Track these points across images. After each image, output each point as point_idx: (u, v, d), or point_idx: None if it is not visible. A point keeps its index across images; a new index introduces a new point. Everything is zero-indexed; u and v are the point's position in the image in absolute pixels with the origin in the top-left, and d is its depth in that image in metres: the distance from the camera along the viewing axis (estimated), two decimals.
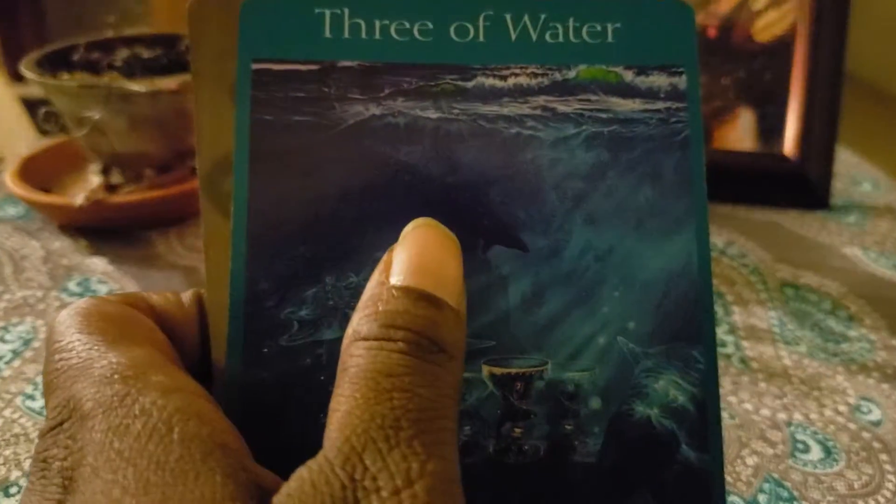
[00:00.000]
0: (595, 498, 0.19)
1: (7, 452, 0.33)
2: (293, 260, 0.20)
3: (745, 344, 0.41)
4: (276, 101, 0.20)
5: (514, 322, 0.20)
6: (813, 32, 0.54)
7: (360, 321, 0.17)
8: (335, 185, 0.20)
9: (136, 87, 0.49)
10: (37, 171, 0.55)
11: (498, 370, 0.19)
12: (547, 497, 0.19)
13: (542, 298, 0.20)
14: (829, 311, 0.44)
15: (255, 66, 0.20)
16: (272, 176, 0.20)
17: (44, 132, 0.60)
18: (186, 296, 0.21)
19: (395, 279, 0.17)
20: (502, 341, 0.20)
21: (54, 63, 0.54)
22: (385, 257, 0.18)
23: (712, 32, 0.57)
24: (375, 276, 0.18)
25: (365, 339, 0.16)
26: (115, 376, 0.16)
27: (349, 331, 0.17)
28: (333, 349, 0.19)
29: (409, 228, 0.18)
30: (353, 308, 0.19)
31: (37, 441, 0.16)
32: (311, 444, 0.19)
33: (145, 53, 0.55)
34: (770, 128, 0.56)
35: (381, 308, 0.17)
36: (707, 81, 0.57)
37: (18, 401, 0.36)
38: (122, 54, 0.54)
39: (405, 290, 0.17)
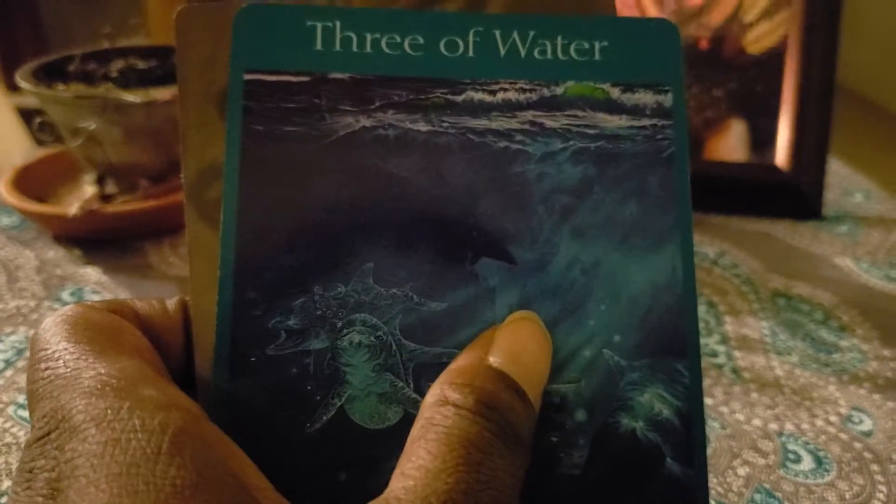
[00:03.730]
0: None
1: None
2: (281, 269, 0.20)
3: (736, 354, 0.41)
4: (268, 112, 0.20)
5: None
6: (804, 44, 0.55)
7: (454, 388, 0.17)
8: (325, 195, 0.20)
9: (132, 97, 0.49)
10: (32, 181, 0.55)
11: None
12: None
13: (528, 311, 0.20)
14: (821, 322, 0.44)
15: (247, 77, 0.20)
16: (262, 185, 0.20)
17: (39, 142, 0.60)
18: (171, 303, 0.21)
19: (495, 360, 0.18)
20: None
21: (50, 73, 0.54)
22: (487, 334, 0.19)
23: (704, 44, 0.57)
24: (474, 350, 0.18)
25: (456, 406, 0.17)
26: (107, 388, 0.16)
27: (437, 391, 0.17)
28: (320, 359, 0.19)
29: (517, 317, 0.19)
30: (340, 318, 0.20)
31: (22, 451, 0.16)
32: (297, 455, 0.19)
33: (141, 64, 0.55)
34: (762, 139, 0.56)
35: (477, 383, 0.17)
36: (699, 93, 0.57)
37: (10, 410, 0.36)
38: (117, 65, 0.54)
39: (503, 376, 0.18)
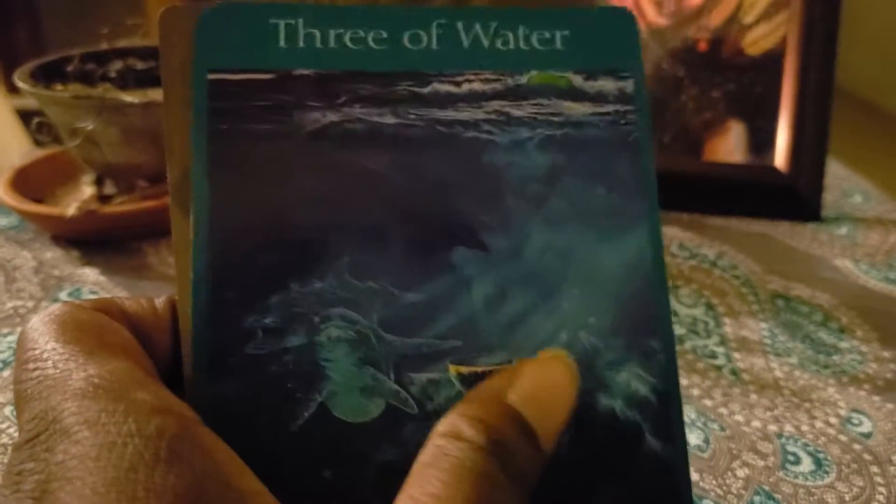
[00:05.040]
0: (564, 491, 0.19)
1: None
2: (256, 268, 0.20)
3: (735, 355, 0.41)
4: (234, 111, 0.20)
5: (478, 322, 0.20)
6: (803, 46, 0.55)
7: (465, 422, 0.17)
8: (295, 191, 0.20)
9: (130, 98, 0.49)
10: (30, 182, 0.55)
11: (464, 369, 0.20)
12: None
13: (504, 298, 0.20)
14: (821, 323, 0.44)
15: (211, 77, 0.20)
16: (232, 185, 0.20)
17: (37, 143, 0.60)
18: (160, 301, 0.20)
19: (514, 399, 0.18)
20: (468, 341, 0.20)
21: (48, 74, 0.54)
22: (512, 369, 0.19)
23: (703, 46, 0.57)
24: (497, 382, 0.18)
25: (468, 441, 0.17)
26: (99, 391, 0.16)
27: (450, 420, 0.17)
28: (299, 356, 0.19)
29: (548, 355, 0.19)
30: (317, 314, 0.20)
31: (10, 453, 0.16)
32: (280, 454, 0.19)
33: (139, 65, 0.55)
34: (761, 140, 0.56)
35: (490, 421, 0.17)
36: (698, 94, 0.57)
37: (8, 410, 0.36)
38: (116, 66, 0.54)
39: (517, 417, 0.17)
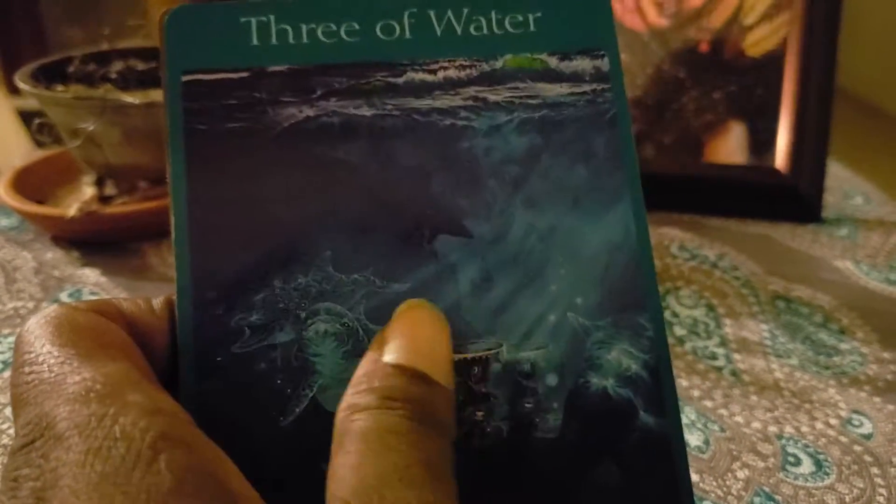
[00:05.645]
0: (560, 472, 0.19)
1: None
2: (238, 266, 0.20)
3: (736, 356, 0.41)
4: (209, 110, 0.20)
5: (465, 308, 0.20)
6: (804, 47, 0.55)
7: (356, 396, 0.17)
8: (275, 188, 0.20)
9: (131, 99, 0.49)
10: (30, 183, 0.55)
11: (455, 356, 0.20)
12: (513, 476, 0.19)
13: (490, 283, 0.20)
14: (821, 324, 0.44)
15: (185, 78, 0.20)
16: (211, 184, 0.20)
17: (38, 143, 0.60)
18: (157, 302, 0.20)
19: (390, 357, 0.18)
20: (456, 328, 0.20)
21: (49, 75, 0.54)
22: (378, 336, 0.19)
23: (704, 47, 0.57)
24: (369, 355, 0.18)
25: (365, 409, 0.17)
26: (91, 395, 0.16)
27: (344, 405, 0.17)
28: (287, 352, 0.19)
29: (403, 308, 0.19)
30: (303, 309, 0.20)
31: (7, 457, 0.16)
32: (274, 450, 0.19)
33: (140, 66, 0.55)
34: (762, 141, 0.56)
35: (377, 384, 0.17)
36: (699, 95, 0.57)
37: (8, 412, 0.36)
38: (117, 66, 0.54)
39: (400, 368, 0.17)
